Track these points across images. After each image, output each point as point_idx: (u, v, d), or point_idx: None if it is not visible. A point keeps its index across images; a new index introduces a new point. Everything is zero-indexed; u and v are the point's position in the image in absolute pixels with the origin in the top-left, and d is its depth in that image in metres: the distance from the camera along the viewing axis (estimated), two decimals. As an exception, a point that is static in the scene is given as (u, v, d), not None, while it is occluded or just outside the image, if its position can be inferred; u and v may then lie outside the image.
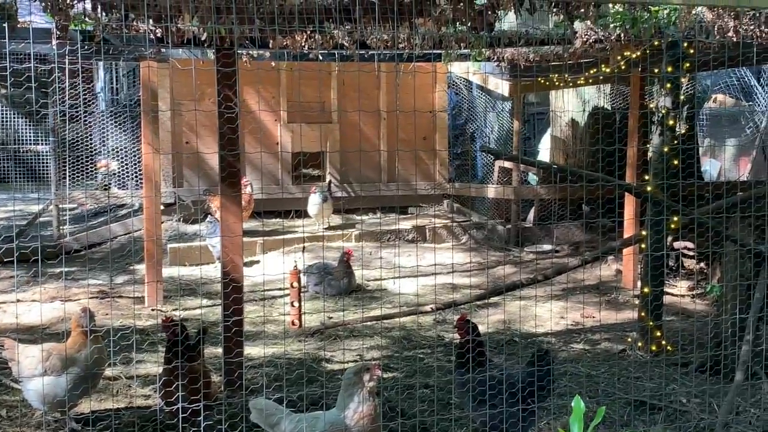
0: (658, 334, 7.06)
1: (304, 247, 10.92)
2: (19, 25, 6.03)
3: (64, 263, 9.86)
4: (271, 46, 6.76)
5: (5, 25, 4.85)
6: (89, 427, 5.26)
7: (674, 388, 6.17)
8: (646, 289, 7.11)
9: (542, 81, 10.12)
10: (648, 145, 8.26)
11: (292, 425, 4.35)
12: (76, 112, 12.68)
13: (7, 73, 3.68)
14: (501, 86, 12.39)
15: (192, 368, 4.93)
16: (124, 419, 5.38)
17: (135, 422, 5.26)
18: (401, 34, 6.12)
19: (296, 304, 8.12)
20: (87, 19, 5.24)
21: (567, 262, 8.55)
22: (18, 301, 8.77)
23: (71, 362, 5.29)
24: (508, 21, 8.90)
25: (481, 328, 5.39)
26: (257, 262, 10.90)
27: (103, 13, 5.22)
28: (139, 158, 11.95)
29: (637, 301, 8.07)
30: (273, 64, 10.01)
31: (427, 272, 9.93)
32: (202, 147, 12.22)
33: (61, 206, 11.69)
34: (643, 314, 7.16)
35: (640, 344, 7.16)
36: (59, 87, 10.70)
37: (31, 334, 7.44)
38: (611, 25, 7.07)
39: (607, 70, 8.85)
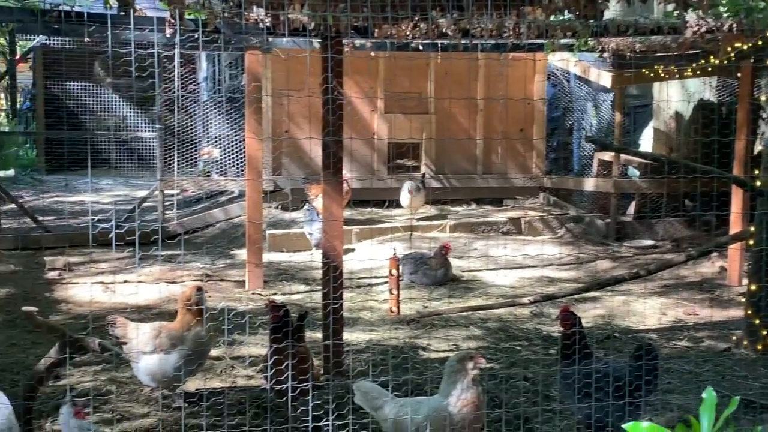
0: (765, 332, 6.84)
1: (411, 235, 10.98)
2: (135, 14, 6.26)
3: (182, 244, 10.16)
4: (375, 35, 6.81)
5: (129, 12, 5.02)
6: (201, 403, 5.42)
7: (783, 388, 5.98)
8: (753, 287, 6.90)
9: (647, 72, 9.86)
10: (757, 138, 8.00)
11: (395, 409, 4.39)
12: (182, 100, 13.05)
13: (132, 58, 3.80)
14: (603, 77, 12.16)
15: (299, 350, 5.04)
16: (231, 397, 5.53)
17: (243, 400, 5.40)
18: (507, 22, 6.07)
19: (395, 291, 8.16)
20: (202, 7, 5.38)
21: (669, 258, 8.33)
22: (125, 281, 9.11)
23: (180, 341, 5.45)
24: (609, 11, 8.74)
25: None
26: (352, 250, 11.01)
27: (217, 2, 5.36)
28: (241, 146, 12.22)
29: (742, 299, 7.83)
30: (373, 54, 10.08)
31: (523, 264, 9.86)
32: (300, 136, 12.41)
33: (165, 192, 12.06)
34: (749, 312, 6.95)
35: (745, 342, 6.95)
36: (167, 76, 11.02)
37: (138, 314, 7.71)
38: (724, 15, 6.86)
39: (716, 61, 8.59)
